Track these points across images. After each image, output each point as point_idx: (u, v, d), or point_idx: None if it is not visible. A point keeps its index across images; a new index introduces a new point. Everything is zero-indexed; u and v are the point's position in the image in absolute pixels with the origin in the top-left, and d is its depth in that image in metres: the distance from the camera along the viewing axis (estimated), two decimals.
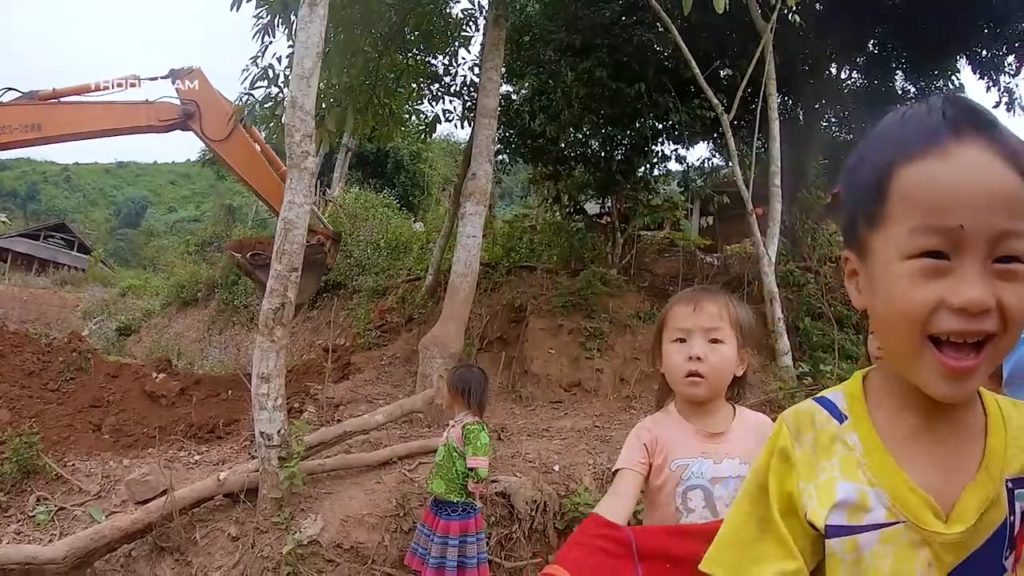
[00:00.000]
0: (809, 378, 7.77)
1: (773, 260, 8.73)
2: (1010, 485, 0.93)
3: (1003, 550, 0.92)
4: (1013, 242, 0.83)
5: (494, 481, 4.95)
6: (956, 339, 0.85)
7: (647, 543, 1.50)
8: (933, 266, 0.84)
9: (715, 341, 1.83)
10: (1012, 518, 0.92)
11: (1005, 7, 10.27)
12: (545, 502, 4.96)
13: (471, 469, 4.04)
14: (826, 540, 0.95)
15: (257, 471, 4.70)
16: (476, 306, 8.51)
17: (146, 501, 4.68)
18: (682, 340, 1.84)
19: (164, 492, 4.64)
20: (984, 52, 11.98)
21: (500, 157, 11.15)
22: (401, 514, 4.70)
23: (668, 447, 1.79)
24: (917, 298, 0.85)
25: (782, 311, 8.43)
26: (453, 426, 4.22)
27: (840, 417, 1.00)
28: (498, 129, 9.32)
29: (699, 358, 1.79)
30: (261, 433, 4.64)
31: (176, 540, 4.52)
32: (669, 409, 1.92)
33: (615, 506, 1.65)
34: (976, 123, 0.86)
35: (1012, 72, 11.89)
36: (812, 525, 0.96)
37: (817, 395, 1.06)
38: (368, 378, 8.15)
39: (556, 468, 5.49)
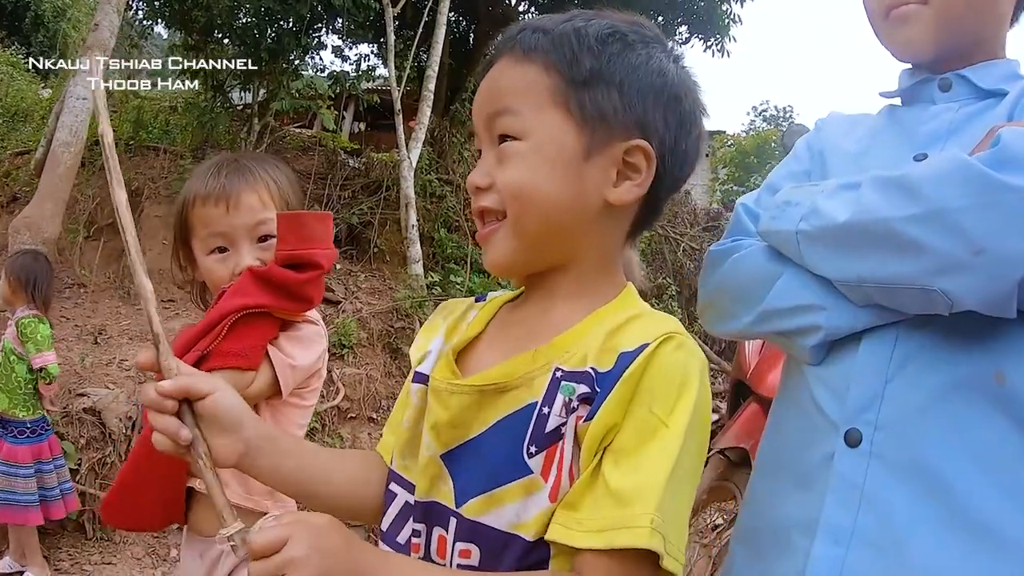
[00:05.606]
0: (438, 287, 7.71)
1: (414, 166, 8.49)
2: (559, 374, 0.85)
3: (523, 439, 0.84)
4: (498, 120, 0.91)
5: (81, 395, 4.26)
6: (476, 217, 0.94)
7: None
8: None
9: (265, 238, 1.49)
10: (547, 409, 0.83)
11: None
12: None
13: (38, 369, 3.54)
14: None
15: None
16: (85, 186, 7.36)
17: None
18: (222, 249, 1.48)
19: None
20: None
21: (137, 14, 9.55)
22: None
23: None
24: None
25: (417, 218, 8.24)
26: (10, 325, 3.63)
27: (481, 301, 1.07)
28: None
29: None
30: None
31: None
32: None
33: None
34: (504, 44, 0.94)
35: (681, 41, 13.15)
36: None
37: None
38: None
39: None
